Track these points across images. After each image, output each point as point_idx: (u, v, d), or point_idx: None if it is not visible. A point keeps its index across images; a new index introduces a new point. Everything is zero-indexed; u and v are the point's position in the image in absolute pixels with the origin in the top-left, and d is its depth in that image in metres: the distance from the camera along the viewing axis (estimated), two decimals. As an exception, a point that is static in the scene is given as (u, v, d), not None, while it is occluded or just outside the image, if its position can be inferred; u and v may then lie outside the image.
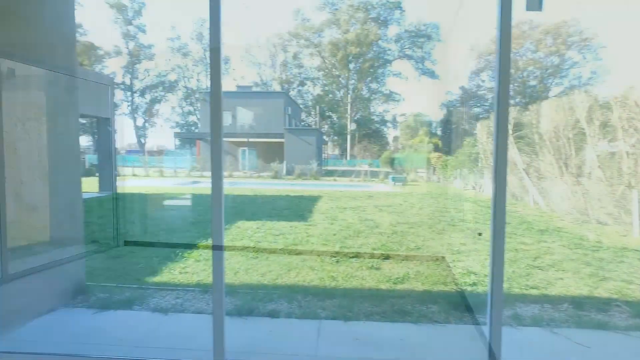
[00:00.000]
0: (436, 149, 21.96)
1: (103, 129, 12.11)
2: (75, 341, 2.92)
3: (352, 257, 5.53)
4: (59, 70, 3.60)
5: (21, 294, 3.20)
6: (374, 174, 21.51)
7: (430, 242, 6.51)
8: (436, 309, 3.66)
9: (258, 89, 34.53)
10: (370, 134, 35.34)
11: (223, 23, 2.36)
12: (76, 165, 3.78)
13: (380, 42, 34.11)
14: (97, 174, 13.85)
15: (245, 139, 23.62)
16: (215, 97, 2.39)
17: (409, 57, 34.49)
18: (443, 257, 5.56)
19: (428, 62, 34.01)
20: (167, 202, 11.40)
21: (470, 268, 5.08)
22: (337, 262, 5.28)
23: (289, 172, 21.42)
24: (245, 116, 25.01)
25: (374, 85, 35.53)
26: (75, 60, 3.93)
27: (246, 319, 3.34)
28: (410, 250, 5.98)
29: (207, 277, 4.58)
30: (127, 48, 35.99)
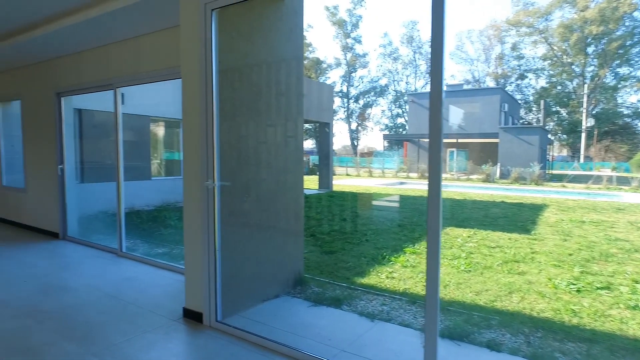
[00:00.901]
0: None
1: (324, 133, 13.54)
2: (292, 331, 3.10)
3: (601, 287, 4.26)
4: (290, 80, 3.97)
5: (255, 278, 3.65)
6: (622, 181, 16.93)
7: None
8: None
9: (469, 87, 32.35)
10: (616, 130, 28.14)
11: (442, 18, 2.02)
12: (300, 165, 4.10)
13: (635, 13, 26.78)
14: (317, 173, 15.63)
15: (454, 140, 22.44)
16: (435, 96, 2.06)
17: (687, 25, 25.90)
18: None
19: None
20: (375, 202, 11.80)
21: None
22: (578, 291, 4.15)
23: (504, 176, 19.12)
24: (454, 116, 23.78)
25: (623, 70, 28.16)
26: (302, 71, 4.27)
27: (459, 345, 2.89)
28: (700, 291, 4.20)
29: (414, 285, 4.31)
30: (345, 59, 39.67)
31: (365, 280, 4.52)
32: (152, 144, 10.91)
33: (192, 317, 3.26)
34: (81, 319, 3.26)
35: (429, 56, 2.07)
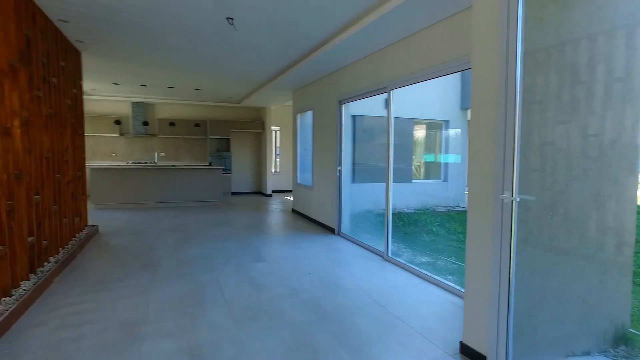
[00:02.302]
0: None
1: None
2: None
3: None
4: (625, 57, 2.81)
5: (557, 322, 2.74)
6: None
7: None
8: None
9: None
10: None
11: None
12: (633, 174, 2.86)
13: None
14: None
15: None
16: None
17: None
18: None
19: None
20: None
21: None
22: None
23: None
24: None
25: None
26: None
27: None
28: None
29: None
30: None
31: None
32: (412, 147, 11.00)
33: (471, 356, 2.68)
34: (354, 326, 3.22)
35: None
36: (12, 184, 3.52)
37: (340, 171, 6.76)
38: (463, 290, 3.83)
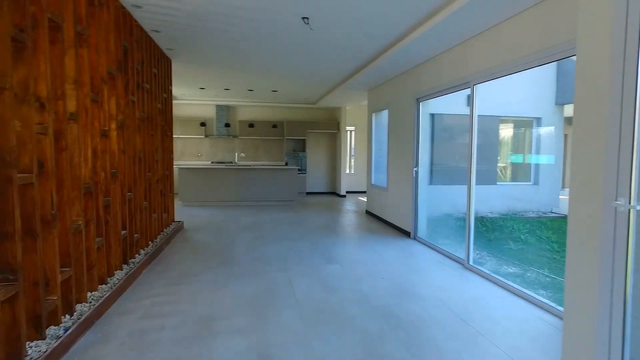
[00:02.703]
0: None
1: None
2: None
3: None
4: None
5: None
6: None
7: None
8: None
9: None
10: None
11: None
12: None
13: None
14: None
15: None
16: None
17: None
18: None
19: None
20: None
21: None
22: None
23: None
24: None
25: None
26: None
27: None
28: None
29: None
30: None
31: None
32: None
33: (571, 388, 2.31)
34: (429, 339, 2.98)
35: None
36: (109, 182, 3.85)
37: (416, 172, 6.45)
38: (559, 307, 3.38)
